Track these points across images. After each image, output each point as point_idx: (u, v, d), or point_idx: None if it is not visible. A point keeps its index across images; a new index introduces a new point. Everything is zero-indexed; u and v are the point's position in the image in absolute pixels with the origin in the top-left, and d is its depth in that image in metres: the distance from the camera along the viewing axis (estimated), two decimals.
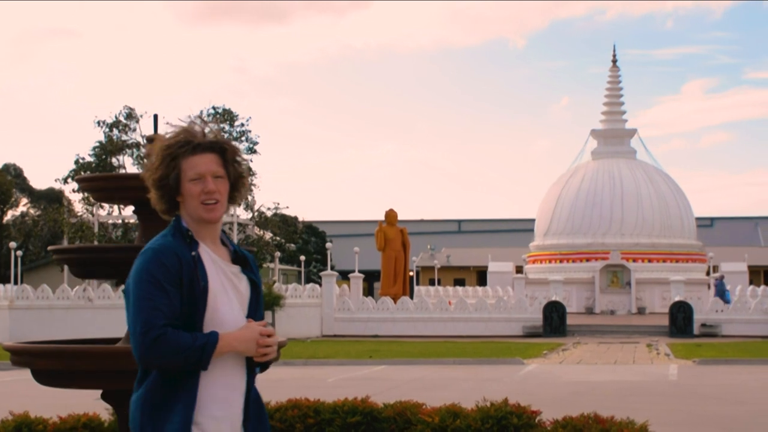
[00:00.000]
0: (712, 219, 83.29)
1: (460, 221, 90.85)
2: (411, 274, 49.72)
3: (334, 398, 8.60)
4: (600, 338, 33.22)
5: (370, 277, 67.10)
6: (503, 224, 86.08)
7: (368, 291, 66.34)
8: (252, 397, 3.76)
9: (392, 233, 39.53)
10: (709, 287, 44.96)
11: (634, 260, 51.00)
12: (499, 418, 7.92)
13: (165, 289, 3.57)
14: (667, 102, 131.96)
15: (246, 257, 3.84)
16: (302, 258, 49.66)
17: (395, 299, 35.45)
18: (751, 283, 54.18)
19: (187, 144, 3.71)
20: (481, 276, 68.22)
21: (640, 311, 47.89)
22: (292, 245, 57.93)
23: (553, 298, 37.09)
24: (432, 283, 64.55)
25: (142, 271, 3.61)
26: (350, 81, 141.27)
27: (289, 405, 8.42)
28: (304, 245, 62.66)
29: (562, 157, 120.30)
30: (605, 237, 53.09)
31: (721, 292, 38.95)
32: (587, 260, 51.74)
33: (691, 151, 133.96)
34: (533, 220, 59.34)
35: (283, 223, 52.46)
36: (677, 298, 37.05)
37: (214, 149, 3.73)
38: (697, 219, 59.33)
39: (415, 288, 49.85)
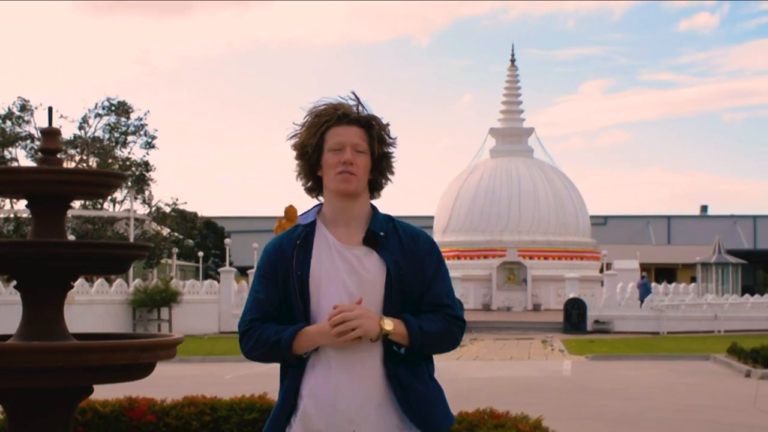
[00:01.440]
0: (606, 217, 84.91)
1: None
2: None
3: (231, 395, 8.52)
4: (496, 334, 33.69)
5: None
6: (403, 220, 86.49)
7: None
8: (388, 376, 3.51)
9: None
10: (602, 284, 45.91)
11: (531, 257, 51.71)
12: None
13: (262, 284, 3.60)
14: (567, 101, 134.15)
15: (377, 236, 3.62)
16: (200, 254, 49.07)
17: None
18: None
19: (334, 113, 3.61)
20: None
21: (536, 308, 48.64)
22: (190, 241, 57.26)
23: None
24: None
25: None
26: (254, 76, 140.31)
27: (185, 402, 8.32)
28: (203, 241, 61.91)
29: (463, 154, 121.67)
30: (503, 234, 53.70)
31: (646, 292, 39.48)
32: (485, 257, 52.27)
33: (590, 150, 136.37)
34: (433, 217, 59.76)
35: (182, 219, 51.77)
36: (571, 295, 37.83)
37: (360, 122, 3.63)
38: (592, 217, 60.46)
39: None
